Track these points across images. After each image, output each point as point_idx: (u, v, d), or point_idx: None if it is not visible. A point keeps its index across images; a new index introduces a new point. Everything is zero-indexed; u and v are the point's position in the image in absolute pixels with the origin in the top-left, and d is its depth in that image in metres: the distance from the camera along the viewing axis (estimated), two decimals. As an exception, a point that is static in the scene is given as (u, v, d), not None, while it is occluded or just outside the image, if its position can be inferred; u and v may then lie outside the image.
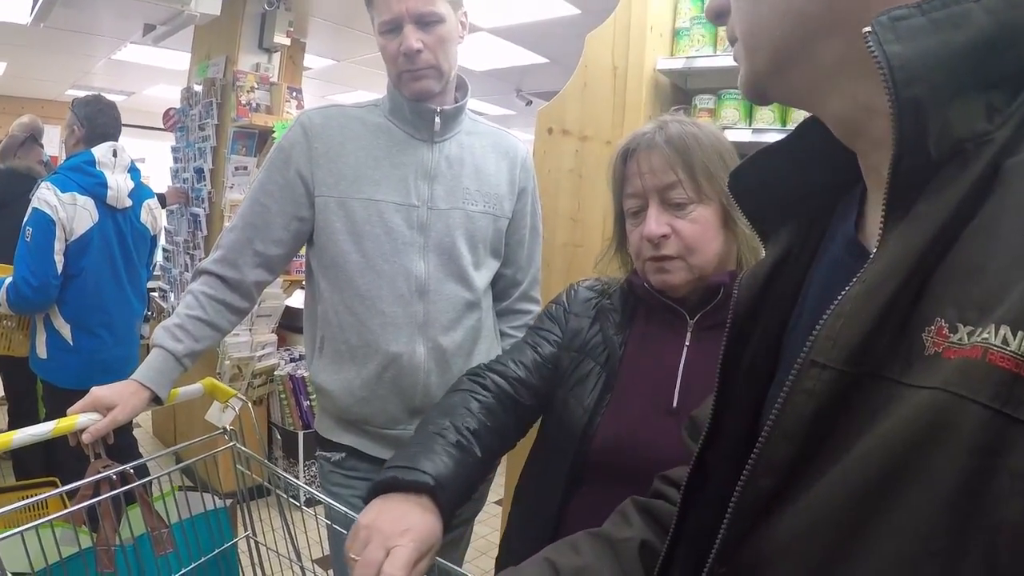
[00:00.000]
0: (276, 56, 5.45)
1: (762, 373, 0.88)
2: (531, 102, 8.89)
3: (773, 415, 0.67)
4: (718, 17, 0.79)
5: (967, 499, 0.51)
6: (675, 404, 1.54)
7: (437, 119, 2.07)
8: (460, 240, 2.10)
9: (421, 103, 2.05)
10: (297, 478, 4.67)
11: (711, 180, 1.53)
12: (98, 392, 1.78)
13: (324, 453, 2.22)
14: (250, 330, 4.96)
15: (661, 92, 3.32)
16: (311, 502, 2.04)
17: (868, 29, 0.62)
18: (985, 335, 0.52)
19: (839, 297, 0.65)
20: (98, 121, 3.94)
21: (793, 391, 0.66)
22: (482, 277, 2.19)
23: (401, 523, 1.22)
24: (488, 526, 4.76)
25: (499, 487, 3.79)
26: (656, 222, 1.53)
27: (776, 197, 0.91)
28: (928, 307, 0.59)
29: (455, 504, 1.36)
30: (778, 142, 0.89)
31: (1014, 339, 0.50)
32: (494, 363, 1.73)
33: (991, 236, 0.57)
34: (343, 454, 2.16)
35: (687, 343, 1.59)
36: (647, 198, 1.56)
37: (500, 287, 2.34)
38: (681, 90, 3.54)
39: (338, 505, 1.61)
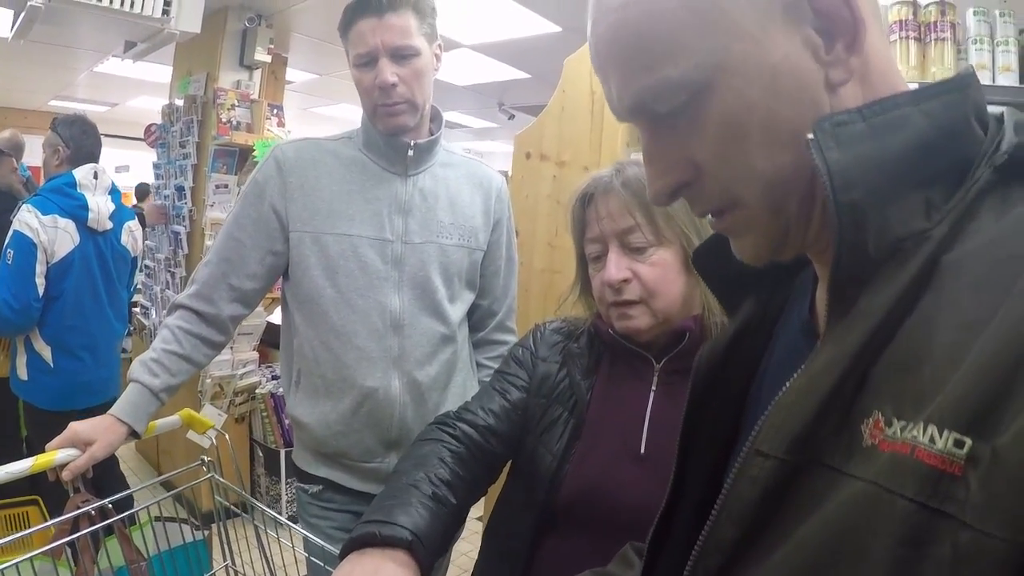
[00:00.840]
0: (257, 73, 5.46)
1: (722, 439, 0.91)
2: (513, 116, 8.91)
3: (720, 499, 0.71)
4: (671, 197, 0.79)
5: None
6: (643, 450, 1.54)
7: (411, 152, 2.09)
8: (435, 274, 2.11)
9: (395, 137, 2.06)
10: (279, 495, 4.66)
11: (670, 222, 1.53)
12: (76, 427, 1.78)
13: (302, 485, 2.23)
14: (231, 348, 4.95)
15: (638, 116, 3.35)
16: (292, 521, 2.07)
17: (810, 136, 0.66)
18: (915, 432, 0.55)
19: (784, 387, 0.68)
20: (84, 142, 3.95)
21: (738, 478, 0.69)
22: (457, 310, 2.20)
23: None
24: (469, 543, 4.74)
25: (479, 502, 3.79)
26: (616, 267, 1.53)
27: (737, 273, 0.92)
28: (868, 399, 0.61)
29: (433, 557, 1.35)
30: None
31: (940, 438, 0.53)
32: (463, 411, 1.72)
33: (927, 332, 0.59)
34: (320, 487, 2.16)
35: (653, 388, 1.59)
36: (607, 243, 1.56)
37: (476, 317, 2.35)
38: (659, 114, 3.53)
39: (315, 538, 1.65)
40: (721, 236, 0.91)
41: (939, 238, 0.64)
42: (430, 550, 1.33)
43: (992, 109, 0.71)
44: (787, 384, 0.69)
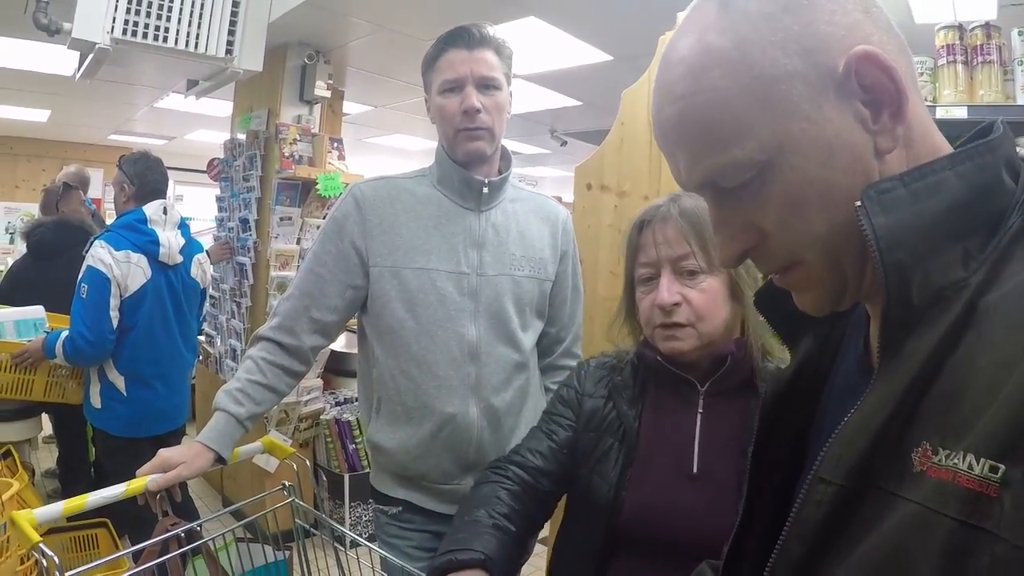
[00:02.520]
0: (317, 107, 5.57)
1: (789, 464, 0.98)
2: (565, 142, 8.95)
3: (789, 520, 0.80)
4: (739, 260, 0.87)
5: None
6: (695, 470, 1.61)
7: (485, 190, 2.19)
8: (508, 304, 2.20)
9: (469, 174, 2.16)
10: (343, 519, 4.72)
11: None
12: (165, 454, 1.86)
13: (381, 507, 2.30)
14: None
15: (696, 146, 3.38)
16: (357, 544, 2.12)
17: (858, 203, 0.74)
18: (955, 460, 0.63)
19: (843, 422, 0.77)
20: (148, 178, 4.06)
21: (805, 502, 0.78)
22: (529, 338, 2.29)
23: None
24: (531, 565, 4.77)
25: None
26: (668, 290, 1.61)
27: (796, 313, 0.98)
28: (918, 430, 0.69)
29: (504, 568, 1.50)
30: None
31: (978, 465, 0.61)
32: (513, 455, 1.83)
33: (968, 369, 0.67)
34: (399, 508, 2.24)
35: (700, 410, 1.66)
36: (660, 267, 1.64)
37: (544, 344, 2.42)
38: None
39: (393, 558, 1.72)
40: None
41: (976, 284, 0.71)
42: (501, 569, 1.47)
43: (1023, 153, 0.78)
44: (845, 418, 0.77)
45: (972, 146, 0.76)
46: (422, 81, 2.25)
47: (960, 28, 2.84)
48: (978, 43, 2.78)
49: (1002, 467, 0.60)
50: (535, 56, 5.62)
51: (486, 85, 2.11)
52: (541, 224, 2.33)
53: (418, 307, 2.13)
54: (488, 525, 1.57)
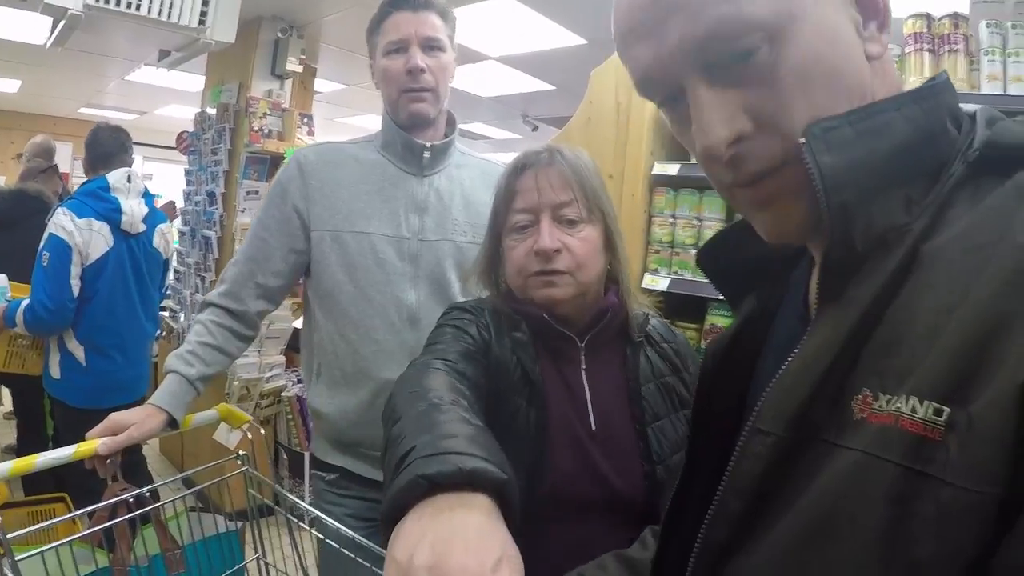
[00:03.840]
0: (288, 82, 5.54)
1: (729, 422, 0.94)
2: (537, 127, 8.95)
3: (727, 475, 0.78)
4: (733, 146, 0.74)
5: (888, 542, 0.59)
6: (594, 427, 1.57)
7: (427, 154, 2.19)
8: (450, 270, 2.19)
9: (412, 138, 2.16)
10: (303, 497, 4.69)
11: (599, 202, 1.61)
12: (117, 417, 1.84)
13: (319, 473, 2.30)
14: (259, 351, 5.04)
15: (663, 129, 3.38)
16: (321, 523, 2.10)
17: (802, 141, 0.71)
18: (898, 404, 0.62)
19: (781, 370, 0.76)
20: (98, 144, 4.08)
21: (742, 455, 0.76)
22: None
23: (487, 552, 0.74)
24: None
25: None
26: (550, 237, 1.56)
27: (739, 269, 1.00)
28: (857, 377, 0.67)
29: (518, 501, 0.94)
30: (739, 221, 0.96)
31: (921, 407, 0.60)
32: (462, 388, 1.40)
33: (908, 315, 0.66)
34: (336, 474, 2.24)
35: (583, 367, 1.62)
36: (539, 213, 1.59)
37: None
38: (683, 126, 3.58)
39: (329, 520, 1.68)
40: (725, 236, 1.00)
41: (919, 230, 0.70)
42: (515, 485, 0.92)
43: (967, 107, 0.78)
44: (784, 367, 0.75)
45: (917, 89, 0.75)
46: (367, 46, 2.26)
47: (928, 17, 2.88)
48: (945, 32, 2.82)
49: (947, 410, 0.58)
50: (508, 37, 5.64)
51: (431, 46, 2.12)
52: (487, 190, 2.20)
53: (357, 271, 2.13)
54: (473, 422, 1.10)
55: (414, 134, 2.18)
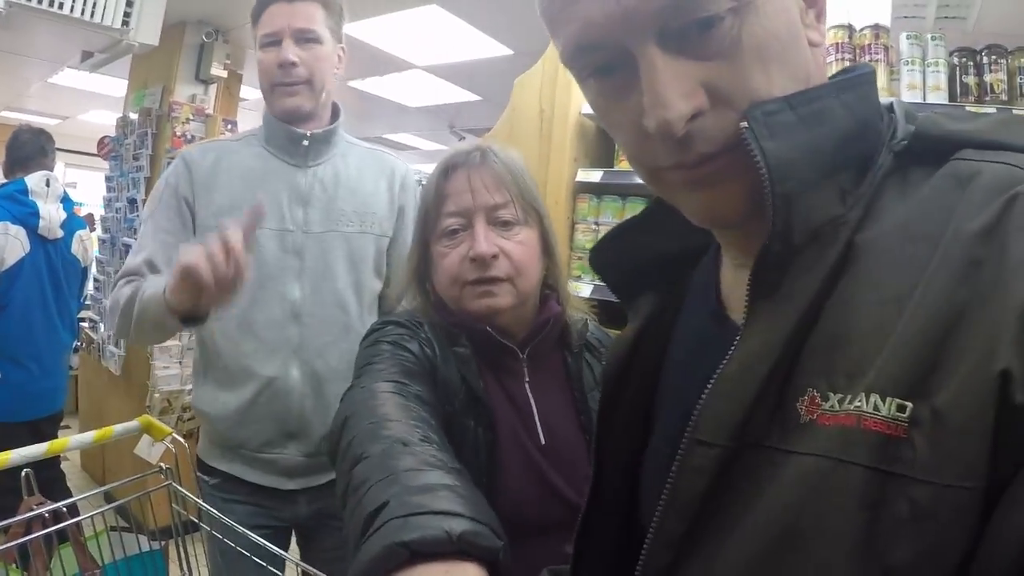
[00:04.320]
0: (212, 88, 5.48)
1: (636, 435, 0.91)
2: (464, 138, 8.94)
3: (666, 494, 0.71)
4: (689, 123, 0.67)
5: (864, 548, 0.56)
6: (543, 442, 1.48)
7: (305, 143, 2.14)
8: (337, 263, 2.14)
9: (291, 128, 2.13)
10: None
11: (535, 203, 1.54)
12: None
13: (203, 476, 2.21)
14: (180, 363, 4.94)
15: (586, 136, 3.42)
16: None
17: (744, 124, 0.66)
18: (858, 403, 0.58)
19: (715, 376, 0.70)
20: (15, 148, 4.01)
21: (682, 469, 0.69)
22: (362, 299, 2.22)
23: None
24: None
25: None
26: (487, 241, 1.45)
27: (634, 268, 0.96)
28: (800, 378, 0.64)
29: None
30: (633, 218, 0.95)
31: (883, 405, 0.57)
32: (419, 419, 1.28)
33: (849, 309, 0.64)
34: (220, 478, 2.16)
35: (527, 379, 1.53)
36: (473, 216, 1.49)
37: (384, 308, 2.32)
38: (605, 134, 3.61)
39: (218, 534, 1.65)
40: (619, 235, 0.96)
41: (853, 222, 0.68)
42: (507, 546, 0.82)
43: (882, 100, 0.77)
44: (719, 370, 0.70)
45: (852, 76, 0.73)
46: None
47: (849, 28, 2.95)
48: (867, 43, 2.90)
49: (909, 405, 0.56)
50: (435, 46, 5.63)
51: (305, 38, 2.08)
52: (377, 178, 2.27)
53: None
54: (450, 465, 1.01)
55: (294, 125, 2.14)
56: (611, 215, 3.35)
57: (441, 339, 1.51)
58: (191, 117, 5.08)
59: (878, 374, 0.58)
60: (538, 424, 1.49)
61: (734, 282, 0.81)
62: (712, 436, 0.67)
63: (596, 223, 3.38)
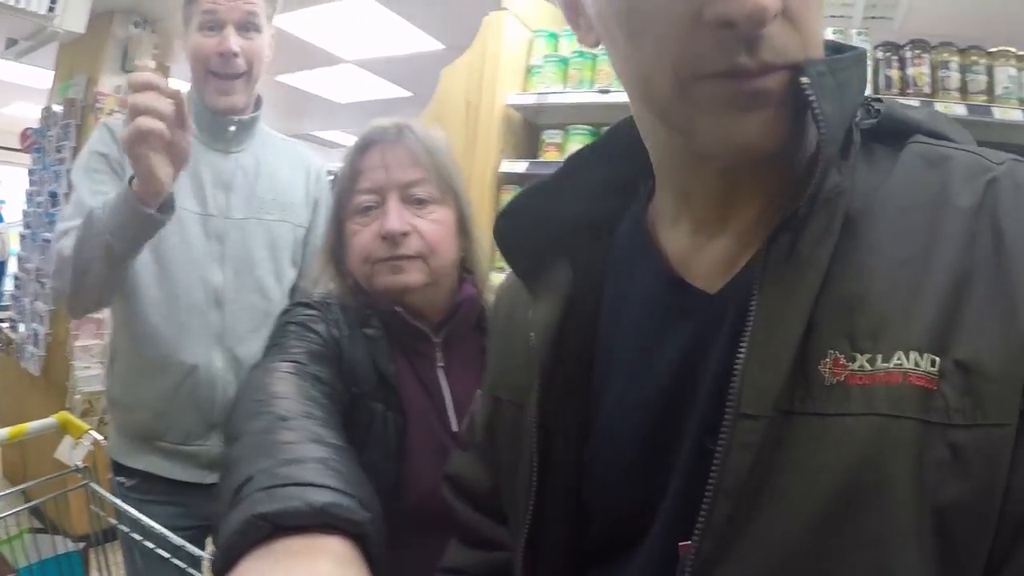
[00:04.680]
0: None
1: (576, 426, 0.87)
2: (393, 132, 8.92)
3: (713, 477, 0.66)
4: (775, 16, 0.62)
5: (918, 494, 0.60)
6: (456, 429, 1.45)
7: (232, 128, 2.10)
8: (258, 250, 2.12)
9: (218, 113, 2.09)
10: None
11: (452, 182, 1.51)
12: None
13: (118, 478, 2.07)
14: (101, 363, 4.84)
15: (512, 126, 3.47)
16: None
17: (806, 80, 0.64)
18: (897, 361, 0.62)
19: (742, 345, 0.67)
20: None
21: (730, 448, 0.65)
22: (283, 287, 2.19)
23: None
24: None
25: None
26: (399, 218, 1.43)
27: (540, 239, 0.92)
28: (817, 342, 0.65)
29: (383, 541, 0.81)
30: (540, 183, 0.93)
31: (923, 360, 0.61)
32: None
33: (860, 272, 0.66)
34: (136, 479, 2.05)
35: (440, 364, 1.51)
36: (386, 193, 1.46)
37: (296, 299, 2.18)
38: (531, 124, 3.70)
39: (137, 536, 1.60)
40: (524, 202, 0.93)
41: (846, 191, 0.70)
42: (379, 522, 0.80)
43: None
44: (745, 338, 0.67)
45: (860, 52, 0.73)
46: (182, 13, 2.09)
47: None
48: None
49: (937, 359, 0.61)
50: (367, 40, 5.63)
51: (247, 26, 2.01)
52: (293, 170, 2.25)
53: (162, 248, 1.97)
54: (327, 440, 0.98)
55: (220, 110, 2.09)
56: (536, 206, 3.34)
57: (351, 320, 1.48)
58: (116, 109, 4.99)
59: (909, 333, 0.63)
60: (450, 410, 1.48)
61: (693, 248, 0.81)
62: (756, 408, 0.65)
63: (520, 214, 3.37)
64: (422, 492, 1.37)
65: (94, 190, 1.93)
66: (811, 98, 0.64)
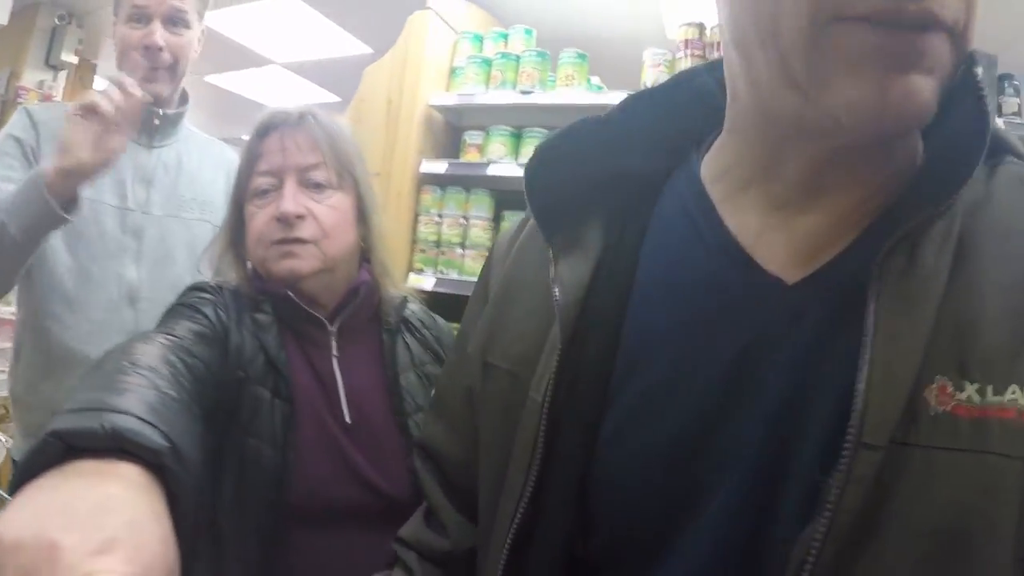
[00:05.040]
0: (63, 74, 5.35)
1: (590, 414, 0.75)
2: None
3: (829, 512, 0.58)
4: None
5: (1016, 545, 0.55)
6: (348, 421, 1.42)
7: (157, 122, 2.07)
8: (176, 248, 2.08)
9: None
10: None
11: (352, 170, 1.50)
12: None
13: None
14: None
15: (434, 126, 3.53)
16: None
17: (980, 70, 0.60)
18: (1012, 395, 0.56)
19: (863, 365, 0.59)
20: None
21: (848, 481, 0.58)
22: None
23: (96, 529, 0.58)
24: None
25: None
26: (294, 200, 1.41)
27: (580, 180, 0.81)
28: (929, 365, 0.59)
29: (194, 485, 0.78)
30: (588, 120, 0.82)
31: None
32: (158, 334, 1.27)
33: (970, 294, 0.60)
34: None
35: (335, 353, 1.48)
36: (283, 175, 1.45)
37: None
38: (453, 126, 3.74)
39: None
40: (569, 137, 0.82)
41: (955, 206, 0.63)
42: (191, 469, 0.78)
43: None
44: (868, 354, 0.59)
45: (992, 57, 0.68)
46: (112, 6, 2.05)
47: (700, 26, 3.13)
48: (717, 40, 3.01)
49: None
50: (296, 42, 5.65)
51: (175, 20, 1.97)
52: (216, 168, 2.22)
53: (77, 240, 1.95)
54: (163, 390, 0.97)
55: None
56: (455, 207, 3.41)
57: (242, 304, 1.46)
58: (38, 104, 4.95)
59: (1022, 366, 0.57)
60: (343, 401, 1.44)
61: (764, 226, 0.71)
62: (876, 437, 0.57)
63: (439, 215, 3.44)
64: (309, 484, 1.35)
65: (5, 178, 1.88)
66: (983, 91, 0.59)
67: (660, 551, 0.69)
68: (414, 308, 1.62)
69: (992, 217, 0.63)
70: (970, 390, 0.57)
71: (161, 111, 2.06)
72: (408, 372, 1.51)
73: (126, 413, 0.75)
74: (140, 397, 0.84)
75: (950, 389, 0.57)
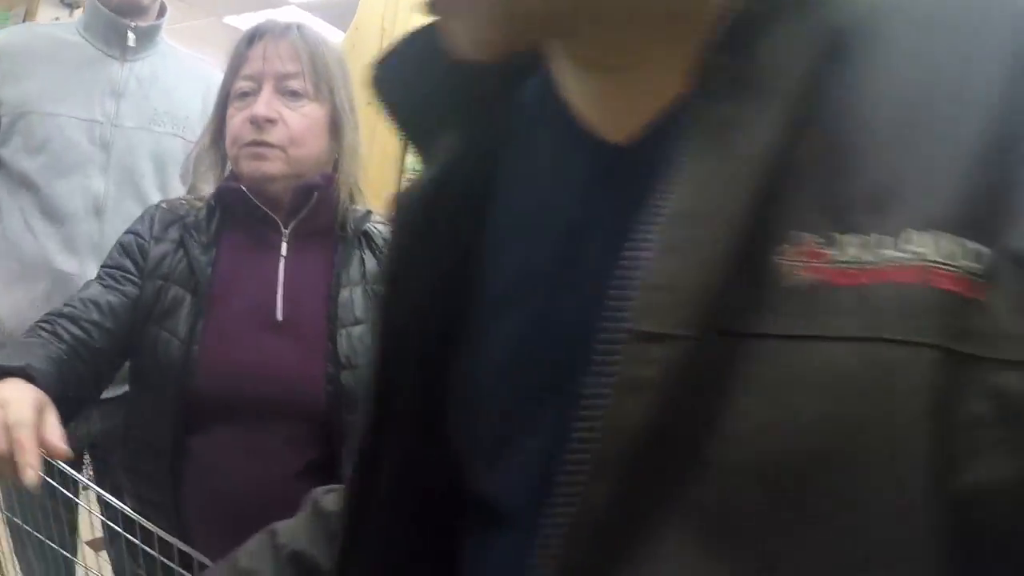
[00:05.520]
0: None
1: (434, 338, 0.61)
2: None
3: (582, 432, 0.42)
4: None
5: (930, 469, 0.37)
6: (280, 317, 1.49)
7: (131, 35, 2.05)
8: (144, 160, 2.07)
9: (116, 18, 2.05)
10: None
11: (330, 84, 1.53)
12: None
13: None
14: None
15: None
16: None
17: None
18: (917, 248, 0.37)
19: (652, 224, 0.41)
20: None
21: (620, 389, 0.40)
22: None
23: None
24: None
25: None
26: (267, 105, 1.46)
27: (430, 97, 0.62)
28: (780, 218, 0.40)
29: (58, 389, 1.24)
30: (427, 26, 0.61)
31: (959, 250, 0.36)
32: (67, 307, 1.47)
33: (853, 113, 0.41)
34: None
35: (283, 254, 1.53)
36: (262, 82, 1.50)
37: None
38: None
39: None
40: (411, 45, 0.61)
41: None
42: (52, 387, 1.23)
43: None
44: (656, 215, 0.41)
45: None
46: None
47: None
48: None
49: (986, 251, 0.36)
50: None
51: None
52: (193, 84, 2.20)
53: (43, 155, 1.97)
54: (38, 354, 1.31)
55: (121, 15, 2.04)
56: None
57: (174, 217, 1.57)
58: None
59: (933, 204, 0.37)
60: (279, 299, 1.49)
61: (581, 90, 0.55)
62: (669, 324, 0.39)
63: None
64: (210, 374, 1.44)
65: None
66: None
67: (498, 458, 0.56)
68: (379, 226, 1.62)
69: (902, 6, 0.44)
70: (852, 245, 0.38)
71: (134, 24, 2.04)
72: (357, 286, 1.54)
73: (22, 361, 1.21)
74: (29, 350, 1.31)
75: (818, 248, 0.38)
